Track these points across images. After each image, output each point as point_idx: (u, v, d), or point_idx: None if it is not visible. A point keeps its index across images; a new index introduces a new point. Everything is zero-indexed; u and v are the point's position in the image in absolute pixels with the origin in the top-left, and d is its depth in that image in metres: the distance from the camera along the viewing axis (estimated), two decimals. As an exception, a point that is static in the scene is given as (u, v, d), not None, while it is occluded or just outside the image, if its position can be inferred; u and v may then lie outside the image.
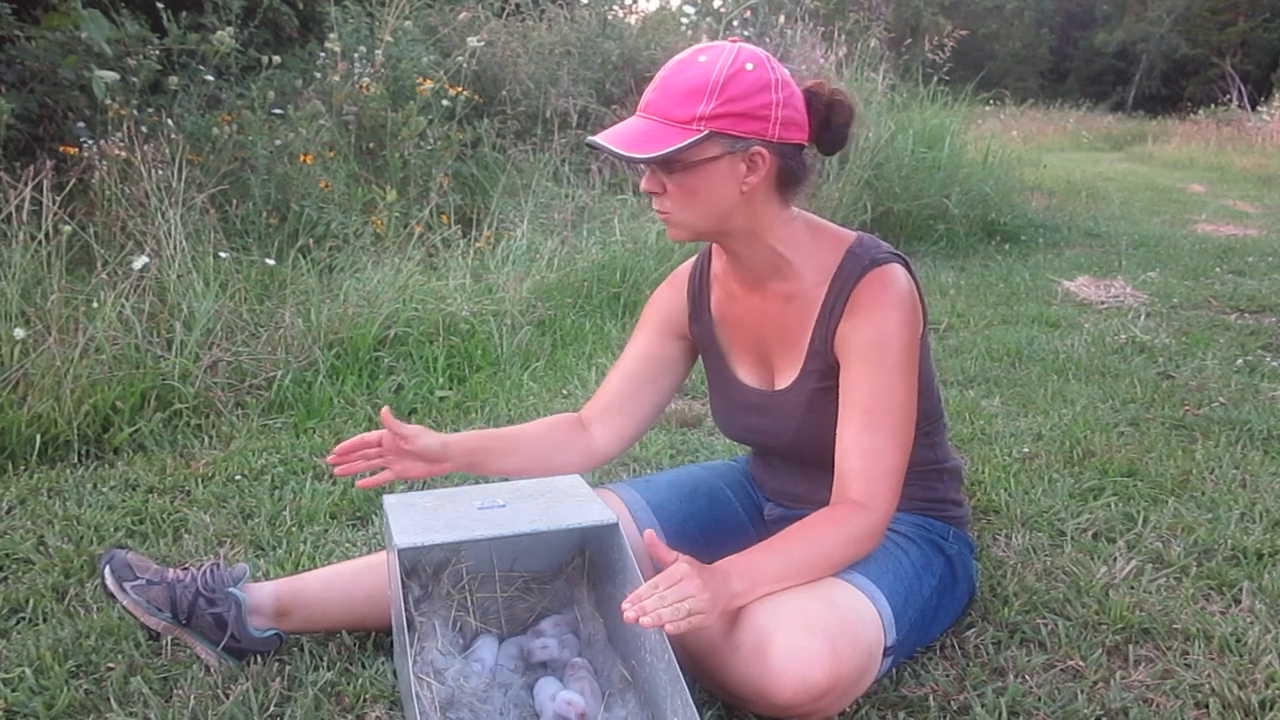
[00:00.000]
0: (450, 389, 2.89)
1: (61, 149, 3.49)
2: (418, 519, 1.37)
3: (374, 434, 1.51)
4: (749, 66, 1.33)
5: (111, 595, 1.44)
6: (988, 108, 12.43)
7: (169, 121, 3.69)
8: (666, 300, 1.66)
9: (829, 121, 1.42)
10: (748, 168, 1.37)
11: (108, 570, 1.44)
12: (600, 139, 1.35)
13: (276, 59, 4.36)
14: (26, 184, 2.93)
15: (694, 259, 1.66)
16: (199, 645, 1.47)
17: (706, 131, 1.31)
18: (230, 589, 1.47)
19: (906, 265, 1.48)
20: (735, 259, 1.50)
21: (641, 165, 1.37)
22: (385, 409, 1.51)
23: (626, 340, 1.69)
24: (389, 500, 1.43)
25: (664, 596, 1.22)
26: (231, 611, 1.45)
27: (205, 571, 1.47)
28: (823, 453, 1.49)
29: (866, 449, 1.39)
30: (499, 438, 1.62)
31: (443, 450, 1.53)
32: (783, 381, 1.54)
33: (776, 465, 1.67)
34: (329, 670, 1.48)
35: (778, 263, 1.48)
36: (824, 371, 1.48)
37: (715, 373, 1.65)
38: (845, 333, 1.44)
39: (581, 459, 1.65)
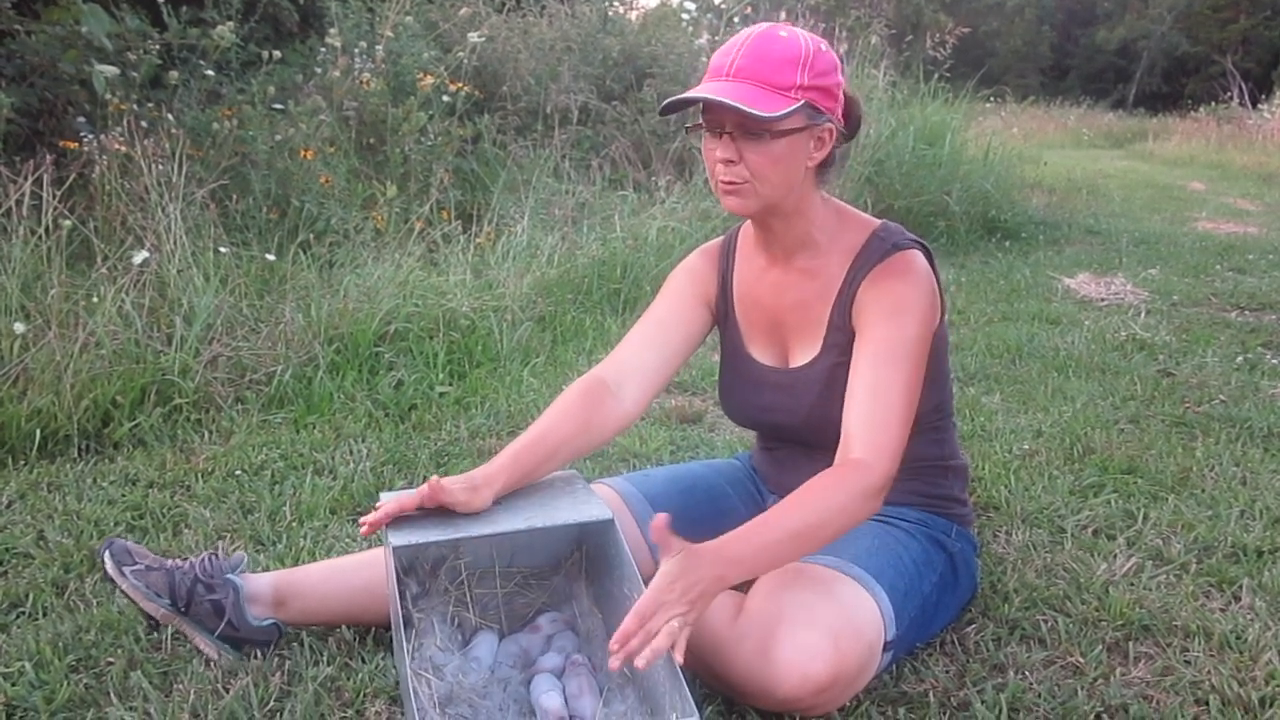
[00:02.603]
0: (450, 385, 2.89)
1: (61, 144, 3.49)
2: (414, 516, 1.36)
3: (411, 502, 1.37)
4: (823, 47, 1.38)
5: (111, 580, 1.45)
6: (988, 105, 12.38)
7: (169, 116, 3.68)
8: (699, 267, 1.66)
9: (849, 112, 1.46)
10: (815, 144, 1.41)
11: (107, 555, 1.45)
12: (711, 94, 1.32)
13: (277, 54, 4.34)
14: (26, 178, 2.93)
15: (722, 237, 1.67)
16: (198, 637, 1.47)
17: (802, 101, 1.34)
18: (228, 575, 1.47)
19: (928, 253, 1.50)
20: (770, 236, 1.52)
21: (725, 130, 1.36)
22: (435, 480, 1.37)
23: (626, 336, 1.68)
24: (386, 498, 1.42)
25: (648, 632, 1.18)
26: (229, 598, 1.46)
27: (203, 559, 1.48)
28: (833, 437, 1.49)
29: (869, 411, 1.37)
30: (533, 451, 1.47)
31: (492, 496, 1.41)
32: (799, 359, 1.54)
33: (783, 457, 1.66)
34: (329, 665, 1.48)
35: (808, 241, 1.50)
36: (844, 346, 1.48)
37: (729, 350, 1.64)
38: (863, 301, 1.45)
39: (616, 427, 1.55)
